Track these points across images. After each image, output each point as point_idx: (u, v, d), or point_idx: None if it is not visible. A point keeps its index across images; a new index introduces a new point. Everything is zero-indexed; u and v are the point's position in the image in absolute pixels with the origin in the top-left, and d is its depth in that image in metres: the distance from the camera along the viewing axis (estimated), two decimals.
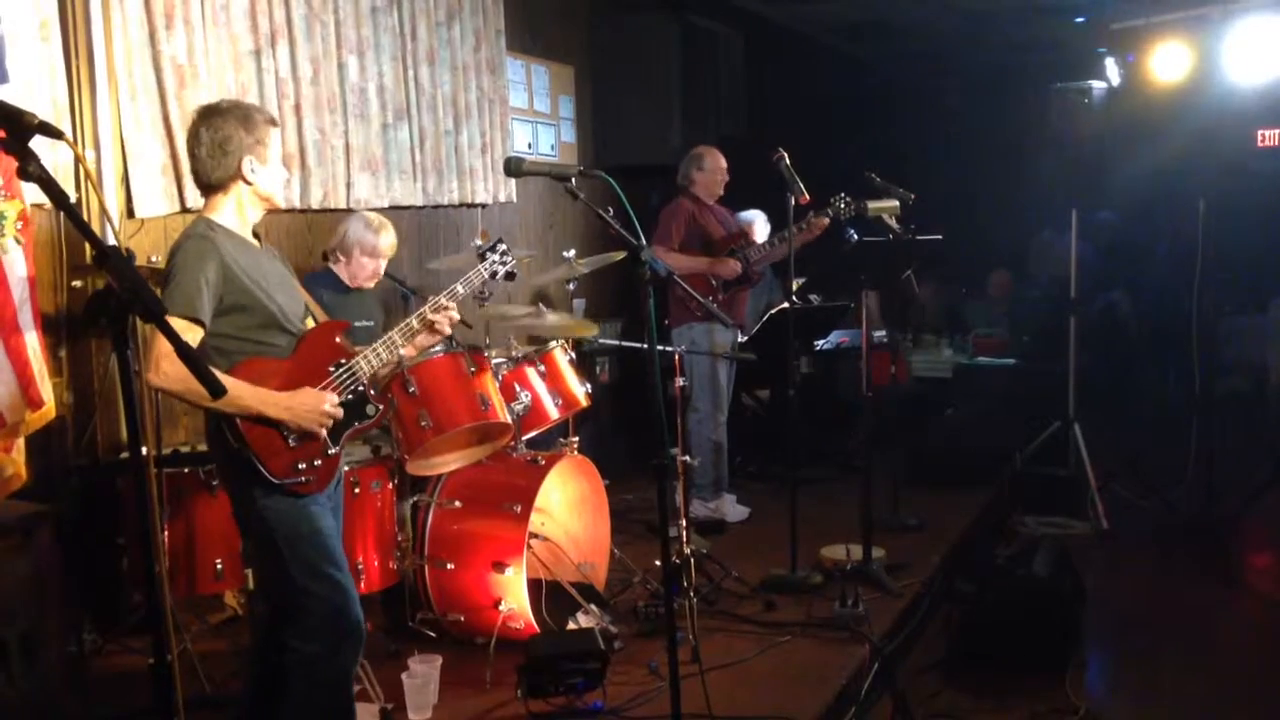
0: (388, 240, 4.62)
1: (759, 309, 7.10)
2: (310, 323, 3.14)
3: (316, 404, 2.94)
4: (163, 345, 2.67)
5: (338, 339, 3.12)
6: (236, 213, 3.00)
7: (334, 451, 3.02)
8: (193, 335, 2.79)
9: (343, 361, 3.08)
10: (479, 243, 3.69)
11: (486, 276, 3.56)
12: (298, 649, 2.98)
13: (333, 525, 3.08)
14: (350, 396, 3.07)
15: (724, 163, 6.01)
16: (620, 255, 4.90)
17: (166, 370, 2.70)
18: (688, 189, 5.99)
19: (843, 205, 5.51)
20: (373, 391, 3.15)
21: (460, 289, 3.44)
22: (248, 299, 2.92)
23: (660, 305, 5.77)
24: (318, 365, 3.03)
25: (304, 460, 2.94)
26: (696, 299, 3.92)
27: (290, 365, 2.98)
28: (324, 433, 2.97)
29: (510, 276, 3.63)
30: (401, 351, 3.28)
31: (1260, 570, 5.86)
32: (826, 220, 5.58)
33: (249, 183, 2.97)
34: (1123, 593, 5.50)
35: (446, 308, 3.35)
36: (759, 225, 6.67)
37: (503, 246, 3.62)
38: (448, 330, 3.39)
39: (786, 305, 5.53)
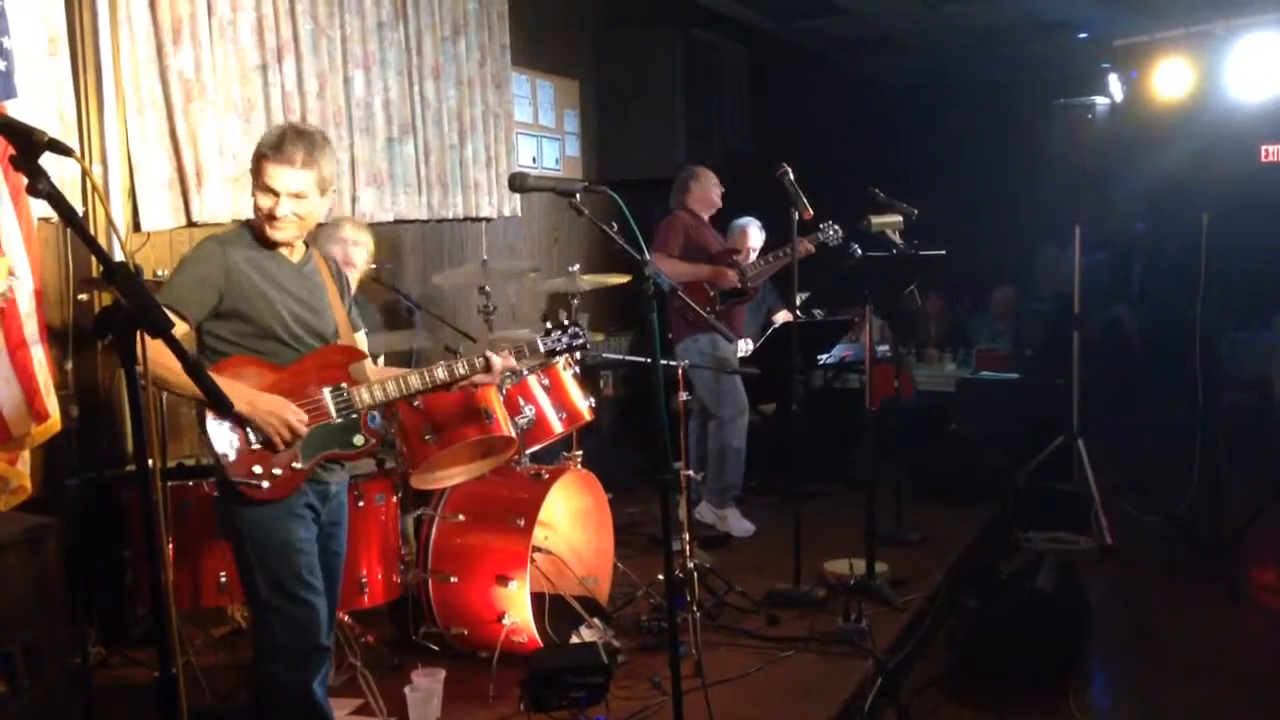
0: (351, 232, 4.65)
1: (758, 322, 7.11)
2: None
3: (280, 409, 2.91)
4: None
5: (349, 366, 3.09)
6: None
7: (299, 466, 2.96)
8: (177, 329, 2.78)
9: (342, 386, 3.06)
10: (565, 321, 3.65)
11: (542, 351, 3.56)
12: (260, 666, 2.98)
13: (309, 539, 3.02)
14: (338, 420, 3.03)
15: (715, 177, 6.09)
16: (623, 278, 4.93)
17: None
18: (685, 205, 6.03)
19: (831, 233, 5.83)
20: (368, 424, 3.10)
21: (525, 356, 3.47)
22: (249, 307, 2.94)
23: (661, 319, 5.79)
24: (312, 381, 3.02)
25: (262, 464, 2.90)
26: (697, 311, 3.93)
27: (283, 375, 2.98)
28: (281, 443, 2.92)
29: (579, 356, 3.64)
30: (415, 385, 3.21)
31: (1264, 585, 5.85)
32: (812, 249, 5.79)
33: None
34: (1126, 608, 5.49)
35: (505, 364, 3.38)
36: (752, 232, 6.67)
37: (577, 329, 3.61)
38: (495, 380, 3.42)
39: (790, 319, 5.55)
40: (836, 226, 5.76)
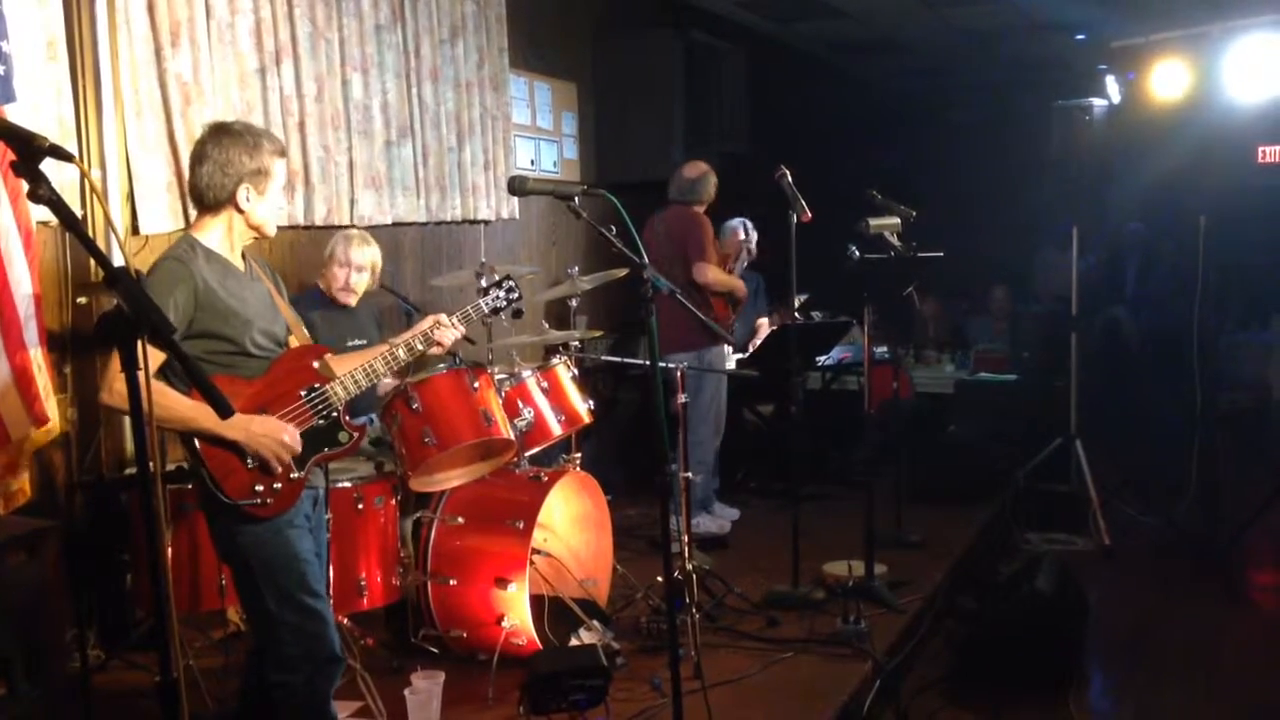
0: (359, 252, 4.63)
1: (749, 325, 7.11)
2: (294, 344, 3.13)
3: (275, 433, 2.89)
4: (115, 365, 2.66)
5: (315, 364, 3.08)
6: (225, 236, 2.97)
7: (297, 476, 2.95)
8: (155, 356, 2.70)
9: (316, 386, 3.04)
10: (496, 277, 3.77)
11: (486, 311, 3.64)
12: (279, 681, 2.95)
13: (310, 549, 3.02)
14: (321, 422, 3.03)
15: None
16: (623, 272, 4.93)
17: (119, 390, 2.70)
18: (704, 208, 5.95)
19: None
20: (348, 418, 3.11)
21: (457, 320, 3.46)
22: (218, 325, 2.89)
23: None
24: (288, 389, 3.00)
25: (262, 483, 2.88)
26: (699, 318, 3.93)
27: (259, 387, 2.95)
28: (279, 466, 2.90)
29: (517, 314, 3.74)
30: (386, 380, 3.26)
31: (1262, 587, 5.86)
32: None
33: (241, 210, 2.94)
34: (1125, 609, 5.50)
35: (448, 328, 3.39)
36: (743, 234, 6.67)
37: (510, 284, 3.70)
38: (448, 343, 3.41)
39: (772, 328, 5.54)
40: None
